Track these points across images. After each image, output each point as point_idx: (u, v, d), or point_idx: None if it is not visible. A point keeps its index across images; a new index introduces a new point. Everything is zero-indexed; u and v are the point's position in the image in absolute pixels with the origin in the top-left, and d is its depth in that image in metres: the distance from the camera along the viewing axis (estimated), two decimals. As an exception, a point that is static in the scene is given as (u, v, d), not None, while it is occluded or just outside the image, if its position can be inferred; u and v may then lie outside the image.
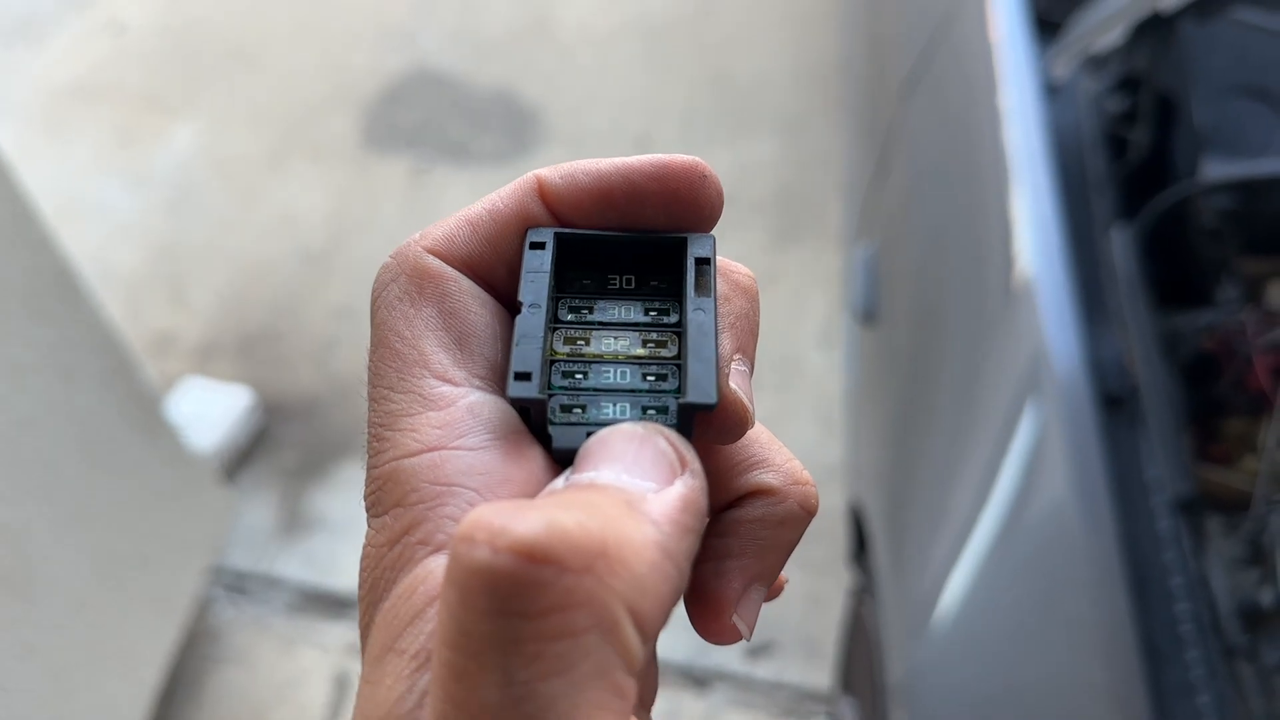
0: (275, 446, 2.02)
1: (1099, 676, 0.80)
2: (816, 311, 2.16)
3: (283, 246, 2.36)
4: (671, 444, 0.26)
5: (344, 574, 1.82)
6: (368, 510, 0.28)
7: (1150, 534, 0.85)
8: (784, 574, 0.32)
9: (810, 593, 1.78)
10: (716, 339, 0.29)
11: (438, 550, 0.26)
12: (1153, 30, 1.03)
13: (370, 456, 0.29)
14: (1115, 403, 0.91)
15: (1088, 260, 1.01)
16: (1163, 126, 1.05)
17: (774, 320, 2.14)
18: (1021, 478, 0.92)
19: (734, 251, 2.16)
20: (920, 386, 1.15)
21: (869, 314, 1.32)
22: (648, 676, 0.30)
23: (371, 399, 0.29)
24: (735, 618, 0.30)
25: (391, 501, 0.27)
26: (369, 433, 0.29)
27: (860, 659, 1.27)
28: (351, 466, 1.98)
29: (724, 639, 0.30)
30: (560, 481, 0.26)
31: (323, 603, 1.81)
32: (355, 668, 1.69)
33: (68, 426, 1.35)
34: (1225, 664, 0.78)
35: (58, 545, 1.34)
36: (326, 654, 1.75)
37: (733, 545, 0.30)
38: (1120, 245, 1.00)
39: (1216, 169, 0.99)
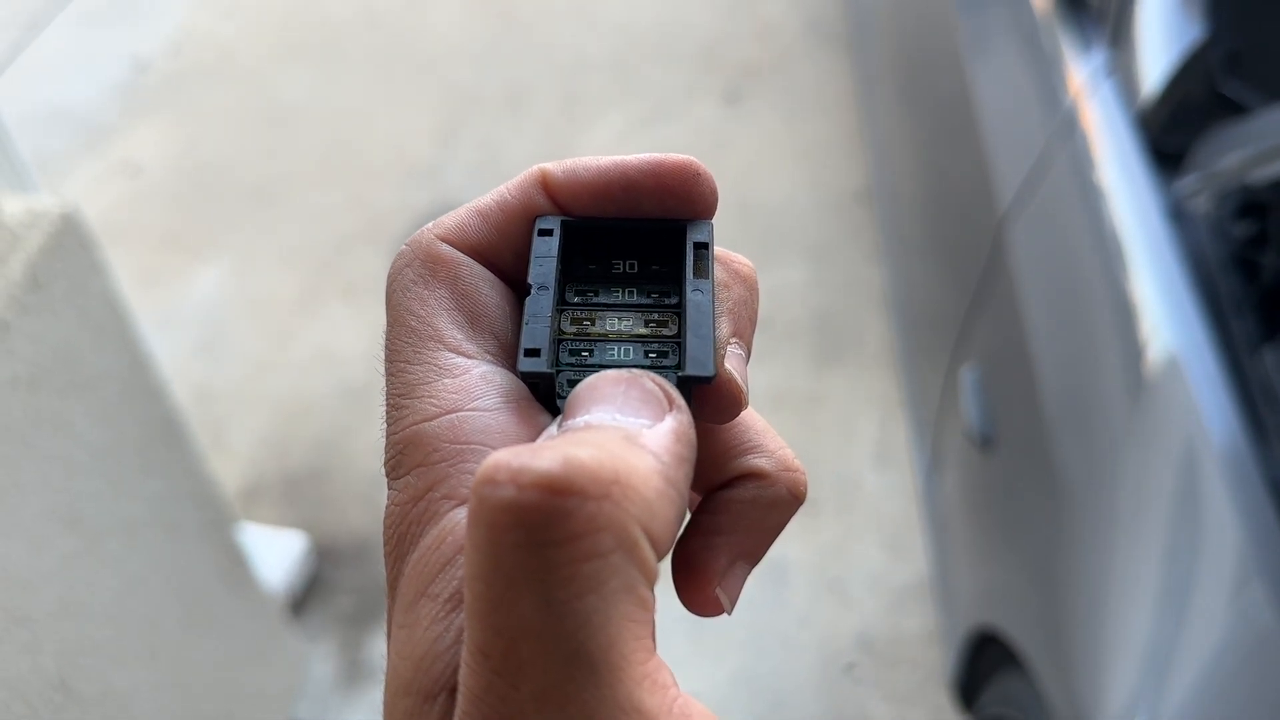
0: (330, 592, 1.96)
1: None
2: (867, 433, 2.17)
3: (322, 384, 2.33)
4: (657, 384, 0.28)
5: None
6: (388, 474, 0.30)
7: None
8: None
9: (904, 722, 1.75)
10: (714, 318, 0.31)
11: (461, 504, 0.28)
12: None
13: (389, 425, 0.30)
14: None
15: (1239, 379, 1.03)
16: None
17: (825, 442, 2.15)
18: (1216, 599, 0.92)
19: (775, 373, 2.15)
20: (1060, 505, 1.16)
21: (986, 438, 1.33)
22: None
23: (389, 374, 0.31)
24: (719, 590, 0.31)
25: (413, 463, 0.29)
26: (386, 404, 0.30)
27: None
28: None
29: (707, 610, 0.31)
30: (554, 429, 0.27)
31: (401, 756, 1.73)
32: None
33: (170, 583, 1.30)
34: None
35: (157, 709, 1.28)
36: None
37: (723, 522, 0.31)
38: (1275, 364, 1.02)
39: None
